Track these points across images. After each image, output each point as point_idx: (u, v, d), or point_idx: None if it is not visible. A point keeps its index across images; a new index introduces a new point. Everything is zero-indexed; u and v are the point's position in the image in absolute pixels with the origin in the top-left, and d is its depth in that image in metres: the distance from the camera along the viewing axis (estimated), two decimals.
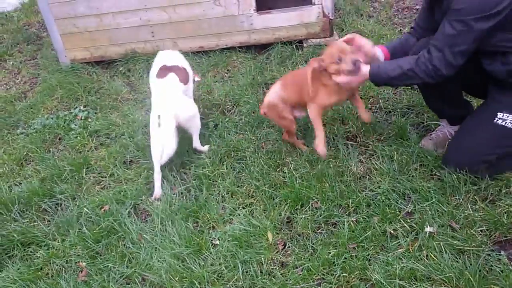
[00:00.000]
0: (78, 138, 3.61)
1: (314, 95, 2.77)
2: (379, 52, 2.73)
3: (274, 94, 2.99)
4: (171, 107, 3.00)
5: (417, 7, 4.88)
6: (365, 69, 2.55)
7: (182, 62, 3.42)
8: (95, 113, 3.93)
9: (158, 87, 3.17)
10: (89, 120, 3.84)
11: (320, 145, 2.75)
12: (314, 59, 2.71)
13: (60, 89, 4.28)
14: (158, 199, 2.90)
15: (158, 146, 2.94)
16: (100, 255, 2.58)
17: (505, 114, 2.44)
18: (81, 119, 3.85)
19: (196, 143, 3.21)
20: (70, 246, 2.66)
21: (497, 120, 2.46)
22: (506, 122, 2.44)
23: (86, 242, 2.64)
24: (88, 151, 3.48)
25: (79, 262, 2.57)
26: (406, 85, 2.97)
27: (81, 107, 3.99)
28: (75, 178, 3.19)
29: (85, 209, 2.87)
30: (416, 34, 2.77)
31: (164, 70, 3.21)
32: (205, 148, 3.26)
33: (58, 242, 2.70)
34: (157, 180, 2.94)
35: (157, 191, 2.94)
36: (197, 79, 3.65)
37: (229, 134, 3.35)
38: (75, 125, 3.78)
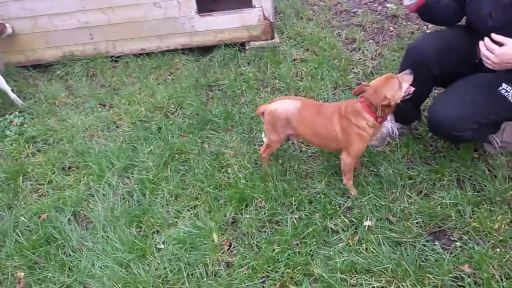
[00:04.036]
0: (14, 145, 3.45)
1: (347, 143, 2.57)
2: None
3: (285, 108, 2.67)
4: None
5: (354, 10, 5.05)
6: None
7: None
8: (32, 118, 3.77)
9: None
10: (25, 126, 3.68)
11: (352, 191, 2.70)
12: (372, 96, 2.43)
13: None
14: None
15: None
16: (39, 265, 2.49)
17: (509, 87, 2.46)
18: (16, 125, 3.68)
19: (12, 95, 3.86)
20: (6, 257, 2.54)
21: (501, 90, 2.46)
22: (508, 94, 2.46)
23: (23, 252, 2.53)
24: (24, 158, 3.33)
25: (16, 273, 2.46)
26: None
27: (17, 113, 3.82)
28: (11, 187, 3.05)
29: (22, 218, 2.75)
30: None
31: None
32: (21, 102, 3.91)
33: None
34: None
35: None
36: (8, 30, 4.14)
37: (172, 137, 3.32)
38: (10, 131, 3.61)
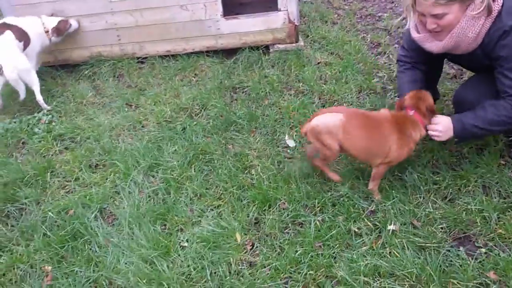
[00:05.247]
0: (42, 142, 3.54)
1: (395, 158, 2.56)
2: None
3: (325, 123, 2.57)
4: (10, 59, 3.71)
5: (379, 14, 5.04)
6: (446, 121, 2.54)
7: (22, 23, 3.99)
8: (60, 117, 3.86)
9: None
10: (53, 124, 3.77)
11: (376, 195, 2.69)
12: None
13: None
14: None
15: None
16: (66, 259, 2.55)
17: None
18: (45, 123, 3.77)
19: (38, 97, 3.90)
20: (34, 251, 2.61)
21: None
22: None
23: (51, 247, 2.59)
24: (52, 155, 3.41)
25: (44, 266, 2.52)
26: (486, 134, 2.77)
27: (45, 111, 3.92)
28: (39, 183, 3.12)
29: (49, 213, 2.81)
30: (417, 68, 2.88)
31: (3, 27, 3.85)
32: (46, 106, 3.94)
33: (22, 247, 2.64)
34: None
35: None
36: (73, 24, 4.26)
37: (197, 137, 3.36)
38: (39, 129, 3.71)
